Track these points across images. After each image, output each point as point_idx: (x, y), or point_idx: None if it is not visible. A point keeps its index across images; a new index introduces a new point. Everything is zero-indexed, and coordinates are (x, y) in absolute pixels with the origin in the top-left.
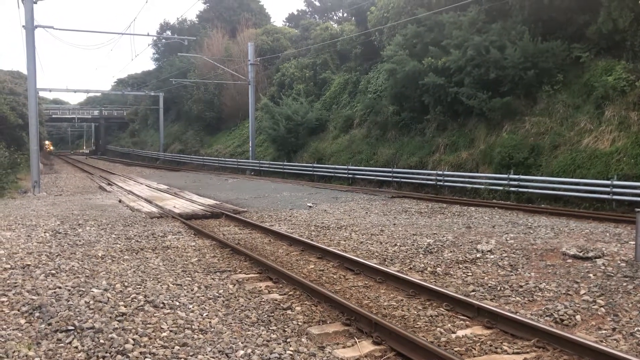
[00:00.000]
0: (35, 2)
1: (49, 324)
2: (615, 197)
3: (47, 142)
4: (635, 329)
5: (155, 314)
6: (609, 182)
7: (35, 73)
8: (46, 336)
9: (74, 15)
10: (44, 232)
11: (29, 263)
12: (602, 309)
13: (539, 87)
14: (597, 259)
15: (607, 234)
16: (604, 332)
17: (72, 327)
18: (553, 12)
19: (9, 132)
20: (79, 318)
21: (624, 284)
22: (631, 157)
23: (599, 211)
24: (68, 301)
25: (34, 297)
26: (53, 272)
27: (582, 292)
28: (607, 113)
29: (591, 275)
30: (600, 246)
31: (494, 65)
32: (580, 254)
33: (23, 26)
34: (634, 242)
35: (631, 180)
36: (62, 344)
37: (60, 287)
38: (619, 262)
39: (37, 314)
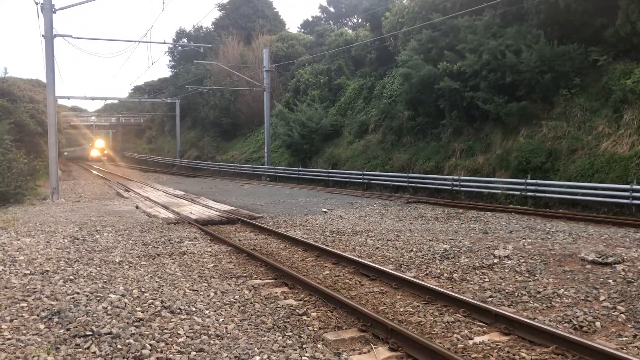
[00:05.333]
0: (55, 12)
1: (68, 329)
2: (635, 201)
3: (100, 144)
4: None
5: (172, 320)
6: (628, 186)
7: (54, 81)
8: (65, 341)
9: (92, 24)
10: (63, 238)
11: (48, 269)
12: (623, 315)
13: (556, 91)
14: (616, 265)
15: (627, 239)
16: (624, 339)
17: (90, 333)
18: (569, 15)
19: (29, 139)
20: (96, 323)
21: None
22: None
23: (618, 216)
24: (86, 307)
25: (52, 302)
26: (71, 277)
27: (602, 298)
28: (625, 117)
29: (611, 281)
30: (619, 251)
31: (510, 69)
32: (600, 260)
33: (42, 35)
34: None
35: None
36: (81, 349)
37: (78, 293)
38: (639, 267)
39: (56, 319)
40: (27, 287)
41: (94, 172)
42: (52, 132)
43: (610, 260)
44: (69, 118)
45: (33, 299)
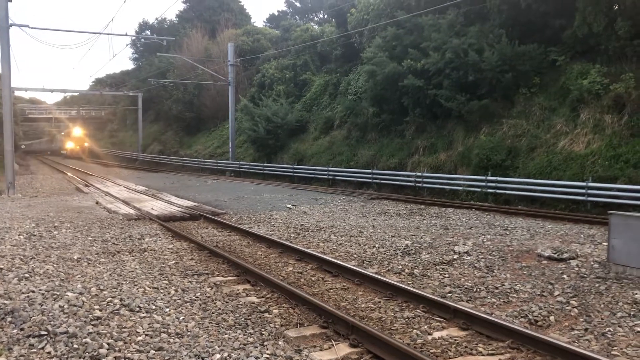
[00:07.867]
0: (10, 0)
1: (22, 329)
2: (590, 198)
3: (78, 132)
4: (607, 329)
5: (131, 318)
6: (584, 183)
7: (10, 72)
8: (18, 341)
9: (51, 14)
10: (18, 235)
11: (2, 266)
12: (575, 309)
13: (516, 90)
14: (571, 260)
15: (582, 236)
16: (576, 332)
17: (45, 332)
18: (530, 15)
19: None
20: (52, 322)
21: (597, 285)
22: (605, 160)
23: (574, 212)
24: (42, 305)
25: (6, 301)
26: (27, 275)
27: (556, 293)
28: (582, 116)
29: (565, 276)
30: (574, 247)
31: (472, 67)
32: (555, 256)
33: None
34: (607, 244)
35: (605, 182)
36: (35, 350)
37: (33, 291)
38: (592, 263)
39: (9, 319)
40: None
41: (54, 166)
42: (8, 124)
43: (565, 256)
44: (27, 110)
45: None
